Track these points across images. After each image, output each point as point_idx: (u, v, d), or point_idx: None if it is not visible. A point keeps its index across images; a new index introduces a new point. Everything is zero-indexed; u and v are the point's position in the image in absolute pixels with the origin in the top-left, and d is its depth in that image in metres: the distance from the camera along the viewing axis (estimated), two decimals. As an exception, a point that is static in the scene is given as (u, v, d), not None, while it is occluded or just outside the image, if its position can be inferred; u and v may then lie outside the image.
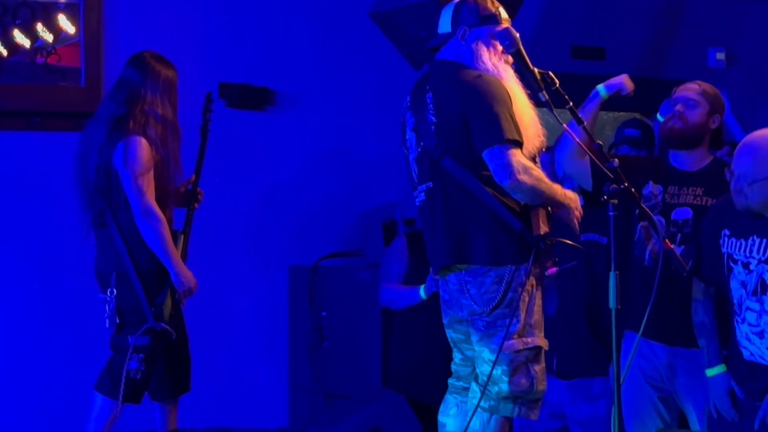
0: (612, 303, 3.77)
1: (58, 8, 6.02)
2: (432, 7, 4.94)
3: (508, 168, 3.92)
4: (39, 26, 5.99)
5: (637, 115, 6.68)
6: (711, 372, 4.23)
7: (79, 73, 5.97)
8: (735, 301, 4.14)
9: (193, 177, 5.15)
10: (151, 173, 4.78)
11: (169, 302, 4.85)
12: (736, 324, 4.15)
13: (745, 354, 4.12)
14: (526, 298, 4.02)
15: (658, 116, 4.98)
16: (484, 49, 4.11)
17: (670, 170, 4.58)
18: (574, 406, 4.90)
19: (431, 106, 4.08)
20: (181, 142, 4.91)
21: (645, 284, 4.22)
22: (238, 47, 6.34)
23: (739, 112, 6.96)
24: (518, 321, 4.01)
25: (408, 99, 4.24)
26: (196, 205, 5.15)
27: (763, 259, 4.07)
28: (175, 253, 4.83)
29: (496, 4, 4.20)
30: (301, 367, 6.24)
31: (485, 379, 4.02)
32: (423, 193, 4.15)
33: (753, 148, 4.08)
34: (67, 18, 6.00)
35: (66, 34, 6.03)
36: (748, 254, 4.12)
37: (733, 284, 4.15)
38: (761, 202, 4.05)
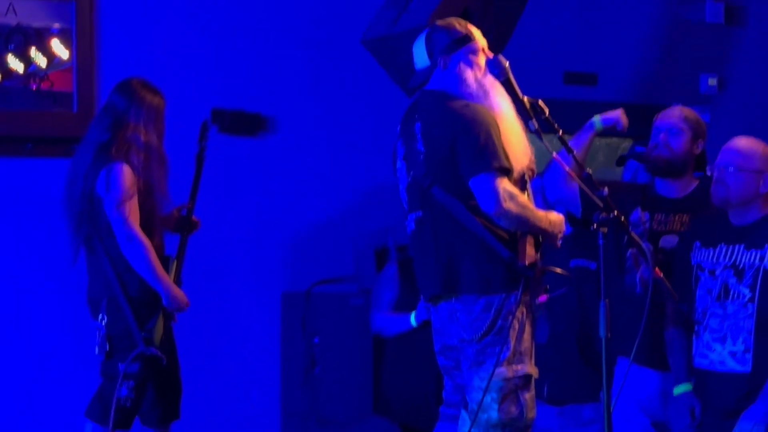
0: (602, 332, 3.77)
1: (51, 33, 6.02)
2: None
3: (494, 195, 3.91)
4: (32, 51, 5.99)
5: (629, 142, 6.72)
6: (677, 390, 4.30)
7: (72, 99, 5.97)
8: (699, 310, 4.21)
9: (189, 203, 5.13)
10: (135, 199, 4.75)
11: (160, 327, 4.82)
12: (696, 338, 4.23)
13: (704, 364, 4.19)
14: (516, 326, 4.02)
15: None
16: (468, 70, 4.11)
17: (656, 197, 4.59)
18: (565, 434, 4.89)
19: (420, 135, 4.08)
20: (167, 169, 4.88)
21: (636, 311, 4.22)
22: (231, 73, 6.34)
23: (732, 137, 6.96)
24: (508, 349, 4.01)
25: (399, 128, 4.25)
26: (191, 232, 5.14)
27: (728, 264, 4.13)
28: (164, 275, 4.79)
29: (463, 22, 4.20)
30: (294, 392, 6.23)
31: (474, 407, 4.01)
32: (413, 222, 4.15)
33: (740, 144, 4.22)
34: (61, 43, 6.00)
35: (59, 59, 6.03)
36: (714, 261, 4.21)
37: (700, 293, 4.23)
38: (740, 194, 4.12)
